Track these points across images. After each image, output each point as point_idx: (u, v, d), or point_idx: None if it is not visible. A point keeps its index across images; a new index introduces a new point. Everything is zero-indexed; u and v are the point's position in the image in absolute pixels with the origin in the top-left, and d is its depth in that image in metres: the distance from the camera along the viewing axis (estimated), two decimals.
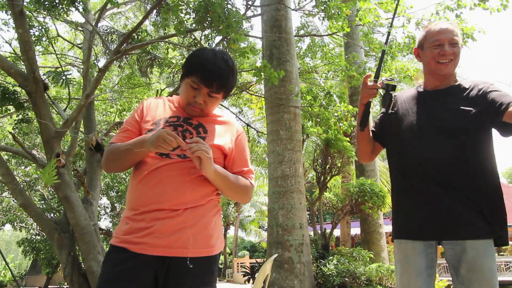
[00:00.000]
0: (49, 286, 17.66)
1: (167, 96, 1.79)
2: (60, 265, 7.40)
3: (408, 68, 8.05)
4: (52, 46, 6.77)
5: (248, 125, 9.80)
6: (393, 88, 1.82)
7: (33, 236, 14.93)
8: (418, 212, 1.75)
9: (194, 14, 4.92)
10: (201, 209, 1.51)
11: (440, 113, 1.79)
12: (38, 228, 13.79)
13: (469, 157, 1.72)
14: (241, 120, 10.87)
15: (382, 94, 1.87)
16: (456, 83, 1.87)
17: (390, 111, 1.87)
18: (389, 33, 2.04)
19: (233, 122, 1.71)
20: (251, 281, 11.86)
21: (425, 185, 1.74)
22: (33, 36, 5.81)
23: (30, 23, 5.77)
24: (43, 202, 13.21)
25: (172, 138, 1.41)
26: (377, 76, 1.84)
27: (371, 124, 2.07)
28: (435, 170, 1.73)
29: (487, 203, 1.70)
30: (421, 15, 6.95)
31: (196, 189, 1.50)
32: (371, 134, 1.99)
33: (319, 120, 6.11)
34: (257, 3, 6.75)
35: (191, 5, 5.12)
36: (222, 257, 26.04)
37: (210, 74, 1.53)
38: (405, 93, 2.00)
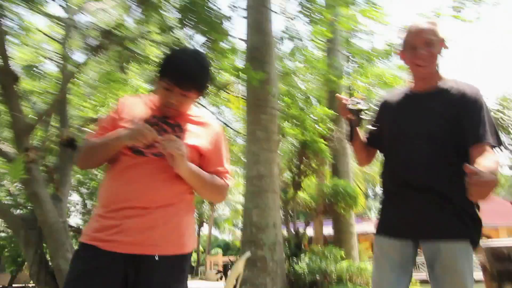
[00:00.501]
0: (13, 285, 17.07)
1: (145, 94, 1.77)
2: (26, 263, 7.18)
3: (384, 74, 8.24)
4: (28, 39, 6.55)
5: (226, 124, 9.79)
6: (359, 112, 1.83)
7: None
8: (396, 212, 1.78)
9: (178, 13, 4.88)
10: (173, 208, 1.50)
11: (423, 117, 1.79)
12: (3, 224, 13.31)
13: (448, 160, 1.71)
14: (219, 119, 10.84)
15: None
16: (443, 85, 1.82)
17: (371, 127, 1.91)
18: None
19: (211, 122, 1.71)
20: (223, 279, 11.85)
21: (404, 188, 1.75)
22: (7, 28, 5.61)
23: (2, 13, 5.57)
24: (9, 197, 12.76)
25: (148, 132, 1.41)
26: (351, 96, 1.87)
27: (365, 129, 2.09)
28: (414, 174, 1.74)
29: (464, 205, 1.67)
30: (400, 23, 7.12)
31: (168, 187, 1.50)
32: (365, 140, 2.00)
33: (296, 122, 6.16)
34: (243, 5, 6.75)
35: (171, 2, 5.07)
36: (195, 255, 25.86)
37: (181, 74, 1.53)
38: (395, 94, 1.99)
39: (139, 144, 1.44)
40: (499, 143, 1.69)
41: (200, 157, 1.61)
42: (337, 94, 1.91)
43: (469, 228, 1.67)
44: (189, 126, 1.62)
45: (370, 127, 1.96)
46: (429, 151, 1.72)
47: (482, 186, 1.37)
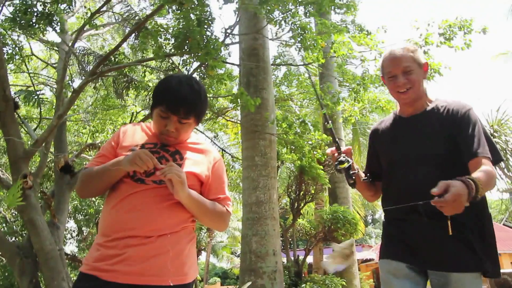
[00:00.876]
0: None
1: (143, 122, 1.79)
2: None
3: (380, 100, 8.35)
4: (25, 65, 6.64)
5: (223, 150, 9.80)
6: (347, 169, 1.77)
7: None
8: (404, 239, 1.71)
9: (173, 39, 4.98)
10: (175, 236, 1.49)
11: (419, 140, 1.74)
12: None
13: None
14: (216, 145, 10.86)
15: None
16: (431, 105, 1.79)
17: (363, 179, 1.86)
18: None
19: (211, 150, 1.71)
20: None
21: (412, 215, 1.67)
22: (5, 54, 5.70)
23: (4, 41, 5.67)
24: (4, 224, 12.56)
25: (148, 157, 1.41)
26: (338, 148, 1.80)
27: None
28: (422, 199, 1.61)
29: (476, 234, 1.62)
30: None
31: (170, 215, 1.49)
32: (366, 178, 1.93)
33: (293, 147, 6.19)
34: (236, 31, 6.91)
35: (170, 31, 5.19)
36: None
37: (175, 100, 1.53)
38: (385, 122, 1.96)
39: (139, 170, 1.44)
40: (496, 154, 1.65)
41: (201, 185, 1.62)
42: (327, 151, 1.85)
43: (481, 259, 1.60)
44: (189, 154, 1.62)
45: (364, 177, 1.87)
46: (437, 173, 1.61)
47: (448, 206, 1.37)
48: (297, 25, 5.49)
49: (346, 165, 1.74)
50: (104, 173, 1.52)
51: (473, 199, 1.42)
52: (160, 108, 1.55)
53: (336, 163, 1.78)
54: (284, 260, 7.80)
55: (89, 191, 1.63)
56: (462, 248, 1.60)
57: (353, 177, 1.77)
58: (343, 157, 1.77)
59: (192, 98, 1.55)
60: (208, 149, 1.71)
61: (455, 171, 1.58)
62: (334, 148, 1.82)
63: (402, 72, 1.73)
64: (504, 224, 19.66)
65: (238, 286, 6.06)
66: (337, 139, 1.85)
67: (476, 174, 1.49)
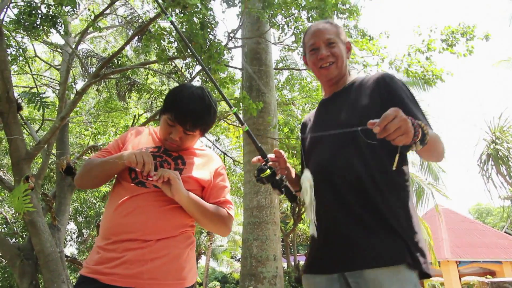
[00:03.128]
0: None
1: (147, 124, 1.80)
2: None
3: None
4: (29, 66, 6.67)
5: (224, 153, 9.80)
6: (270, 178, 1.48)
7: None
8: (317, 240, 1.46)
9: (176, 43, 5.00)
10: (174, 240, 1.50)
11: (337, 115, 1.54)
12: None
13: (369, 164, 1.43)
14: (218, 148, 10.87)
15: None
16: (353, 80, 1.64)
17: (296, 200, 1.52)
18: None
19: (213, 156, 1.73)
20: None
21: (324, 204, 1.43)
22: (9, 56, 5.72)
23: (8, 42, 5.70)
24: (5, 226, 12.56)
25: (147, 161, 1.42)
26: (263, 156, 1.55)
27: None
28: (329, 184, 1.45)
29: (393, 221, 1.36)
30: (394, 55, 7.30)
31: (169, 219, 1.50)
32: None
33: (295, 152, 6.19)
34: (238, 35, 6.93)
35: (173, 34, 5.21)
36: None
37: (184, 113, 1.54)
38: (312, 112, 1.80)
39: (134, 165, 1.45)
40: (428, 123, 1.43)
41: (202, 189, 1.62)
42: (253, 159, 1.58)
43: (402, 250, 1.32)
44: (191, 159, 1.64)
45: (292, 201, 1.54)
46: (349, 152, 1.44)
47: (395, 129, 1.11)
48: (300, 30, 5.51)
49: (268, 173, 1.46)
50: (105, 163, 1.54)
51: (417, 144, 1.18)
52: (168, 116, 1.57)
53: (256, 172, 1.50)
54: (285, 265, 7.78)
55: (86, 180, 1.63)
56: (374, 239, 1.35)
57: (281, 187, 1.48)
58: (264, 165, 1.50)
59: (201, 112, 1.57)
60: (211, 155, 1.73)
61: (373, 150, 1.41)
62: (259, 156, 1.56)
63: (325, 44, 1.59)
64: (505, 232, 19.57)
65: None
66: (259, 144, 1.57)
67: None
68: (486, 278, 14.49)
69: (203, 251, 24.67)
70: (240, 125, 1.59)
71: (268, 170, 1.46)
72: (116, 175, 1.61)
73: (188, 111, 1.54)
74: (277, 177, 1.48)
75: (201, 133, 1.65)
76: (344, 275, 1.40)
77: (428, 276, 1.37)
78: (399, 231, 1.35)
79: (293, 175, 1.66)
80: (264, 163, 1.52)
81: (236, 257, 30.47)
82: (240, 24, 6.53)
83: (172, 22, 1.74)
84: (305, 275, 1.56)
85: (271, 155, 1.55)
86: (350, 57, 1.71)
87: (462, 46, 6.73)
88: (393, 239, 1.34)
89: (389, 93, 1.48)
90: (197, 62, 5.14)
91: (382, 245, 1.33)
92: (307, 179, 1.43)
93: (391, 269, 1.29)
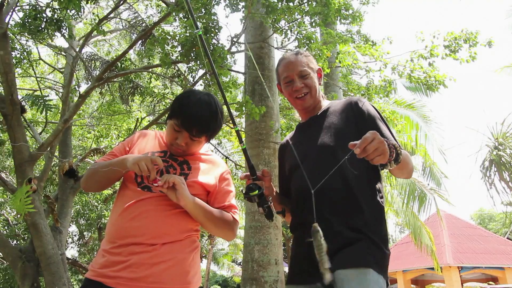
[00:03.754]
0: None
1: (158, 130, 1.82)
2: None
3: (384, 110, 8.35)
4: (33, 69, 6.71)
5: (226, 157, 9.81)
6: (258, 197, 1.53)
7: None
8: (299, 253, 1.56)
9: (179, 47, 5.02)
10: (179, 245, 1.50)
11: (315, 138, 1.63)
12: None
13: (348, 185, 1.53)
14: (220, 152, 10.88)
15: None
16: (327, 106, 1.75)
17: (274, 216, 1.61)
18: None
19: (218, 161, 1.74)
20: None
21: (307, 222, 1.47)
22: (13, 58, 5.76)
23: (12, 45, 5.74)
24: (7, 227, 12.58)
25: (150, 166, 1.43)
26: (253, 173, 1.59)
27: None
28: (310, 203, 1.48)
29: (369, 235, 1.48)
30: (397, 60, 7.31)
31: (175, 224, 1.50)
32: (282, 212, 1.76)
33: None
34: (241, 40, 6.96)
35: (176, 38, 5.24)
36: None
37: (191, 120, 1.55)
38: (290, 135, 1.89)
39: (138, 172, 1.45)
40: (397, 142, 1.51)
41: (207, 194, 1.63)
42: (240, 176, 1.65)
43: (374, 255, 1.44)
44: (197, 164, 1.65)
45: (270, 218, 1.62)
46: (324, 170, 1.51)
47: (374, 150, 1.23)
48: (303, 35, 5.53)
49: (256, 192, 1.52)
50: (108, 166, 1.55)
51: (391, 163, 1.32)
52: (175, 121, 1.57)
53: (245, 190, 1.55)
54: (286, 269, 7.74)
55: (91, 184, 1.65)
56: (352, 246, 1.45)
57: (265, 207, 1.54)
58: (253, 184, 1.55)
59: (208, 120, 1.58)
60: (216, 160, 1.74)
61: (354, 165, 1.48)
62: (248, 173, 1.61)
63: (298, 77, 1.70)
64: (508, 238, 19.47)
65: None
66: (251, 163, 1.62)
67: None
68: (489, 284, 14.41)
69: (204, 255, 24.61)
70: (240, 144, 1.64)
71: (257, 190, 1.52)
72: (122, 179, 1.62)
73: (195, 117, 1.55)
74: (264, 196, 1.55)
75: (207, 139, 1.66)
76: (324, 285, 1.46)
77: (387, 285, 1.50)
78: (374, 243, 1.48)
79: (274, 193, 1.72)
80: (251, 181, 1.58)
81: (237, 261, 30.39)
82: (244, 28, 6.56)
83: (200, 37, 1.70)
84: (288, 285, 1.63)
85: (258, 173, 1.62)
86: (321, 83, 1.81)
87: (465, 52, 6.73)
88: (366, 247, 1.46)
89: (362, 115, 1.61)
90: (201, 66, 5.17)
91: (355, 250, 1.45)
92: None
93: (361, 270, 1.40)
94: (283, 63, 1.75)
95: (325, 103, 1.79)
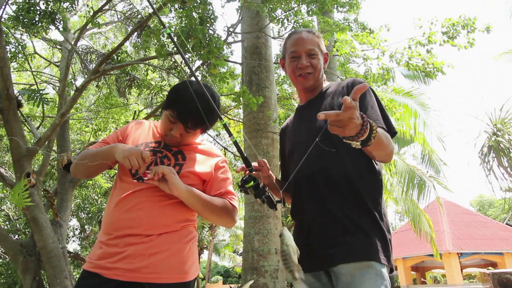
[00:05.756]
0: None
1: (152, 120, 1.80)
2: None
3: (383, 98, 8.32)
4: (28, 63, 6.66)
5: (225, 148, 9.80)
6: (254, 189, 1.49)
7: None
8: (299, 240, 1.49)
9: (175, 38, 4.97)
10: (176, 235, 1.50)
11: (313, 121, 1.57)
12: (0, 250, 13.13)
13: (346, 168, 1.49)
14: (219, 143, 10.86)
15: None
16: (326, 87, 1.70)
17: (276, 207, 1.55)
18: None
19: (213, 150, 1.72)
20: None
21: (305, 208, 1.50)
22: (8, 53, 5.71)
23: (7, 39, 5.68)
24: (8, 223, 12.63)
25: (140, 162, 1.41)
26: (248, 165, 1.56)
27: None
28: (308, 187, 1.52)
29: (367, 221, 1.45)
30: (395, 48, 7.27)
31: (170, 214, 1.50)
32: (282, 202, 1.69)
33: None
34: (238, 30, 6.90)
35: (172, 29, 5.19)
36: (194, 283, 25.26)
37: (186, 112, 1.53)
38: (290, 118, 1.85)
39: (127, 165, 1.44)
40: (392, 128, 1.50)
41: (203, 184, 1.62)
42: (237, 169, 1.60)
43: (371, 247, 1.40)
44: (192, 154, 1.63)
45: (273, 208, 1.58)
46: (321, 156, 1.49)
47: (343, 121, 1.13)
48: (300, 23, 5.48)
49: (251, 184, 1.49)
50: (98, 154, 1.54)
51: (364, 140, 1.20)
52: (170, 112, 1.55)
53: (240, 183, 1.53)
54: None
55: (79, 170, 1.65)
56: (346, 236, 1.42)
57: (263, 198, 1.51)
58: (248, 176, 1.52)
59: (204, 112, 1.54)
60: (211, 149, 1.72)
61: (350, 149, 1.42)
62: (244, 165, 1.58)
63: (306, 54, 1.65)
64: (507, 224, 19.59)
65: (240, 284, 6.07)
66: (245, 154, 1.58)
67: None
68: (488, 269, 14.53)
69: (205, 246, 24.76)
70: (230, 136, 1.61)
71: (252, 182, 1.50)
72: (117, 171, 1.62)
73: (191, 110, 1.52)
74: (260, 187, 1.52)
75: (202, 131, 1.64)
76: (327, 272, 1.48)
77: (392, 271, 1.47)
78: (372, 231, 1.43)
79: (275, 182, 1.70)
80: (248, 173, 1.55)
81: (238, 252, 30.61)
82: (240, 18, 6.50)
83: (169, 35, 1.77)
84: None
85: (254, 164, 1.59)
86: (326, 68, 1.76)
87: (463, 39, 6.69)
88: (367, 237, 1.41)
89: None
90: (197, 57, 5.14)
91: (357, 243, 1.40)
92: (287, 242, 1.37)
93: (364, 263, 1.37)
94: (294, 37, 1.69)
95: (324, 85, 1.74)
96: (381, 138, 1.30)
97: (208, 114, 1.56)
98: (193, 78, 1.65)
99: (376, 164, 1.57)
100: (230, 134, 1.62)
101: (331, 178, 1.50)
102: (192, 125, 1.55)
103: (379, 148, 1.35)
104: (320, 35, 1.73)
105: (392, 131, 1.49)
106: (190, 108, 1.52)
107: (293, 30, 1.77)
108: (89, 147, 1.67)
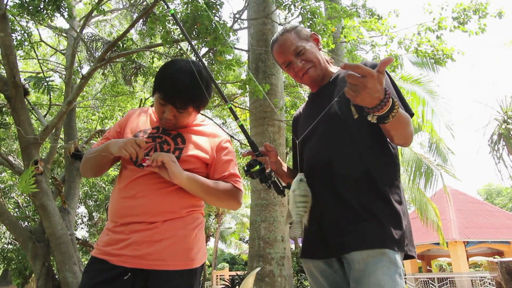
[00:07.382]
0: None
1: (151, 107, 1.76)
2: (33, 275, 7.15)
3: None
4: (34, 51, 6.65)
5: (231, 136, 9.79)
6: (259, 173, 1.50)
7: (5, 245, 14.43)
8: (312, 227, 1.47)
9: (181, 24, 4.93)
10: (181, 221, 1.48)
11: (323, 108, 1.54)
12: (10, 236, 13.34)
13: (360, 155, 1.46)
14: (225, 131, 10.85)
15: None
16: (337, 72, 1.67)
17: (284, 193, 1.56)
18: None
19: (214, 130, 1.68)
20: None
21: (317, 195, 1.47)
22: (15, 41, 5.70)
23: (12, 27, 5.67)
24: (17, 210, 12.81)
25: (136, 148, 1.40)
26: (254, 149, 1.56)
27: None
28: (321, 173, 1.50)
29: (378, 205, 1.41)
30: (404, 34, 7.15)
31: (174, 201, 1.48)
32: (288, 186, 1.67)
33: None
34: (244, 16, 6.82)
35: (179, 16, 5.14)
36: None
37: (171, 91, 1.48)
38: (302, 106, 1.83)
39: (125, 156, 1.42)
40: (409, 109, 1.47)
41: (206, 167, 1.59)
42: (243, 153, 1.61)
43: (386, 234, 1.37)
44: (192, 137, 1.59)
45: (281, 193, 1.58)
46: (346, 137, 1.47)
47: (362, 87, 1.10)
48: (307, 10, 5.40)
49: (257, 168, 1.49)
50: (96, 156, 1.54)
51: (381, 116, 1.17)
52: (158, 95, 1.51)
53: (246, 167, 1.52)
54: (293, 246, 7.83)
55: (87, 170, 1.66)
56: (359, 223, 1.39)
57: (269, 183, 1.51)
58: (254, 160, 1.52)
59: (190, 89, 1.49)
60: (212, 130, 1.67)
61: (365, 132, 1.45)
62: (250, 150, 1.57)
63: (295, 56, 1.61)
64: None
65: (246, 271, 6.12)
66: (251, 138, 1.56)
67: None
68: (494, 258, 14.51)
69: (211, 233, 25.00)
70: (236, 120, 1.57)
71: (258, 166, 1.48)
72: (121, 159, 1.60)
73: (176, 88, 1.47)
74: (266, 172, 1.51)
75: (195, 109, 1.57)
76: (340, 259, 1.46)
77: (412, 257, 1.46)
78: (386, 217, 1.40)
79: (285, 168, 1.68)
80: (254, 157, 1.53)
81: (244, 239, 30.86)
82: (246, 4, 6.41)
83: (173, 15, 1.73)
84: (303, 259, 1.61)
85: (261, 149, 1.56)
86: (321, 47, 1.71)
87: (474, 24, 6.56)
88: (380, 224, 1.38)
89: None
90: (203, 44, 5.10)
91: (369, 230, 1.38)
92: (296, 190, 1.40)
93: (377, 251, 1.34)
94: (274, 49, 1.66)
95: (334, 70, 1.70)
96: (402, 117, 1.27)
97: (196, 90, 1.50)
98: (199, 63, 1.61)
99: (393, 149, 1.53)
100: (236, 118, 1.59)
101: (345, 165, 1.47)
102: (181, 104, 1.49)
103: (399, 128, 1.32)
104: (294, 26, 1.68)
105: (410, 113, 1.45)
106: (175, 86, 1.47)
107: (271, 40, 1.71)
108: (92, 146, 1.66)
